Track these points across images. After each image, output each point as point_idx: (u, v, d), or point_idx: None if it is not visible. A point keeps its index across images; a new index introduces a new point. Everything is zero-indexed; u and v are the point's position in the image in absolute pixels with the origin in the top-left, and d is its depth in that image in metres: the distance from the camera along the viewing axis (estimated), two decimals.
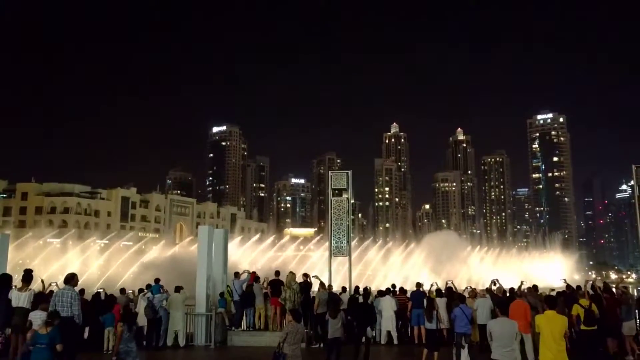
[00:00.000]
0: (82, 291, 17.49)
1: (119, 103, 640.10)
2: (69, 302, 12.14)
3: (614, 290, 18.70)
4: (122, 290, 21.60)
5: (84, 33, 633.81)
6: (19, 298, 12.99)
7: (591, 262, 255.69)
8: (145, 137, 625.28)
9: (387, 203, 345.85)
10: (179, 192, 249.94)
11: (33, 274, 14.19)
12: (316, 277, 20.72)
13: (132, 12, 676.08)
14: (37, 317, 12.44)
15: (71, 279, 12.57)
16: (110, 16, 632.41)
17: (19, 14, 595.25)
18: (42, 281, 17.54)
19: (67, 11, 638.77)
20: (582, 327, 14.86)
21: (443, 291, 19.65)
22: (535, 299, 17.26)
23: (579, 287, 21.20)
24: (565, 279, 25.32)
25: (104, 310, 18.94)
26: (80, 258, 76.85)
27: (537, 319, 10.60)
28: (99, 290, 20.54)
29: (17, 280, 15.22)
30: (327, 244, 25.02)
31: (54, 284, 17.80)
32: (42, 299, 13.35)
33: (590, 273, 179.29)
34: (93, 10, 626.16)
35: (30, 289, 13.49)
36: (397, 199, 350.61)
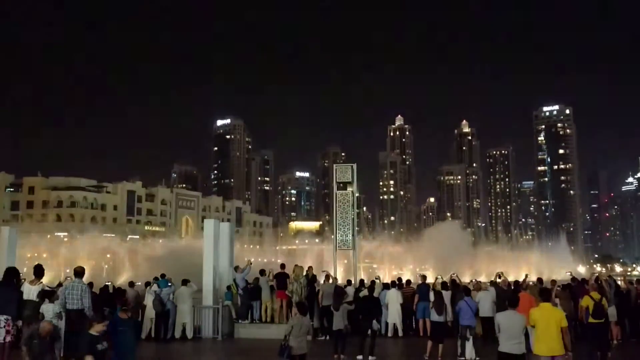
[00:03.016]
0: (90, 284, 17.68)
1: (124, 96, 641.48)
2: (79, 295, 12.42)
3: (619, 283, 18.78)
4: (131, 284, 21.78)
5: (87, 27, 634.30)
6: (29, 291, 13.22)
7: (596, 255, 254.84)
8: (150, 131, 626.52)
9: (391, 196, 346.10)
10: (184, 185, 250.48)
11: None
12: (325, 271, 20.80)
13: (137, 6, 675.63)
14: (49, 310, 12.71)
15: (81, 272, 12.80)
16: (114, 9, 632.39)
17: (18, 15, 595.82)
18: (60, 282, 17.73)
19: (69, 8, 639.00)
20: (590, 319, 14.91)
21: (448, 284, 19.75)
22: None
23: (584, 280, 21.28)
24: (571, 272, 25.41)
25: (111, 303, 19.11)
26: (87, 252, 77.20)
27: (532, 312, 10.51)
28: (106, 284, 20.74)
29: (24, 274, 15.45)
30: (332, 237, 25.16)
31: (69, 278, 18.00)
32: (48, 293, 13.55)
33: (595, 266, 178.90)
34: (96, 4, 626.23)
35: (41, 283, 13.70)
36: (401, 192, 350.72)
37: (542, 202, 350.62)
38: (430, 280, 20.53)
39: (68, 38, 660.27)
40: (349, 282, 22.00)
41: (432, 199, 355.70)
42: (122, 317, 11.51)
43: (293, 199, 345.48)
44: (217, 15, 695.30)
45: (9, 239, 22.82)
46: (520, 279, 21.54)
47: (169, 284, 20.29)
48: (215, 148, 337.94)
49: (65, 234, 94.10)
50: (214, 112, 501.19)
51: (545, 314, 10.20)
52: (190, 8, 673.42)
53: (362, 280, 21.54)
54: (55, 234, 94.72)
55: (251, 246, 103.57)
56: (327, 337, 18.31)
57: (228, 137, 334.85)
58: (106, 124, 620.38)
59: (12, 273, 12.81)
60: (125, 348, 10.78)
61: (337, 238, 24.12)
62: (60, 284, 17.48)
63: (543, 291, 11.89)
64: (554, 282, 20.02)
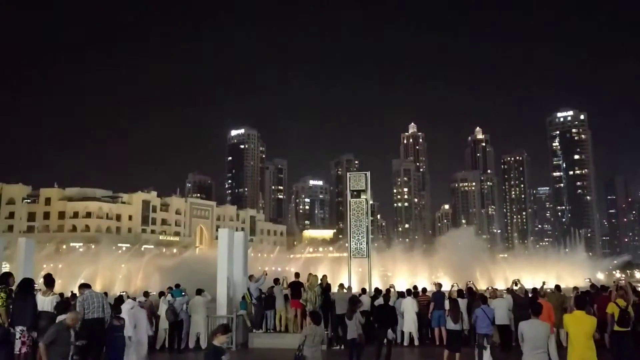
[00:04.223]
0: (105, 294, 17.73)
1: (138, 107, 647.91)
2: (100, 304, 12.72)
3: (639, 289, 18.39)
4: (146, 294, 21.81)
5: (103, 36, 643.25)
6: (43, 302, 13.23)
7: (615, 262, 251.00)
8: (165, 141, 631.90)
9: (406, 204, 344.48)
10: (198, 195, 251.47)
11: (54, 277, 14.47)
12: (341, 285, 20.61)
13: (151, 16, 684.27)
14: None
15: (89, 284, 13.10)
16: (130, 19, 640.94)
17: (19, 19, 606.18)
18: (72, 292, 17.82)
19: (85, 15, 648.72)
20: (616, 327, 14.60)
21: (464, 291, 19.49)
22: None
23: (603, 286, 20.89)
24: (590, 279, 25.00)
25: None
26: (103, 262, 77.76)
27: (565, 318, 10.43)
28: (121, 293, 20.74)
29: (40, 285, 15.48)
30: (346, 245, 25.03)
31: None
32: (65, 305, 13.58)
33: (614, 272, 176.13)
34: (110, 13, 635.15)
35: (55, 294, 13.73)
36: (416, 200, 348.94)
37: (558, 208, 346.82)
38: (445, 288, 20.25)
39: (79, 47, 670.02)
40: (363, 290, 21.83)
41: (446, 206, 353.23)
42: (115, 324, 12.73)
43: (307, 207, 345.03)
44: (216, 24, 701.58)
45: (25, 250, 23.01)
46: (537, 286, 21.22)
47: (183, 294, 20.29)
48: (230, 158, 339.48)
49: (81, 244, 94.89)
50: (228, 122, 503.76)
51: (578, 321, 10.05)
52: (206, 18, 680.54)
53: (377, 289, 21.34)
54: (71, 244, 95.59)
55: (265, 255, 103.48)
56: (342, 347, 18.15)
57: (242, 146, 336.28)
58: (120, 135, 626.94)
59: (28, 284, 12.86)
60: (119, 351, 12.79)
61: (352, 246, 24.00)
62: (74, 295, 17.53)
63: (578, 299, 11.72)
64: (575, 289, 19.69)
